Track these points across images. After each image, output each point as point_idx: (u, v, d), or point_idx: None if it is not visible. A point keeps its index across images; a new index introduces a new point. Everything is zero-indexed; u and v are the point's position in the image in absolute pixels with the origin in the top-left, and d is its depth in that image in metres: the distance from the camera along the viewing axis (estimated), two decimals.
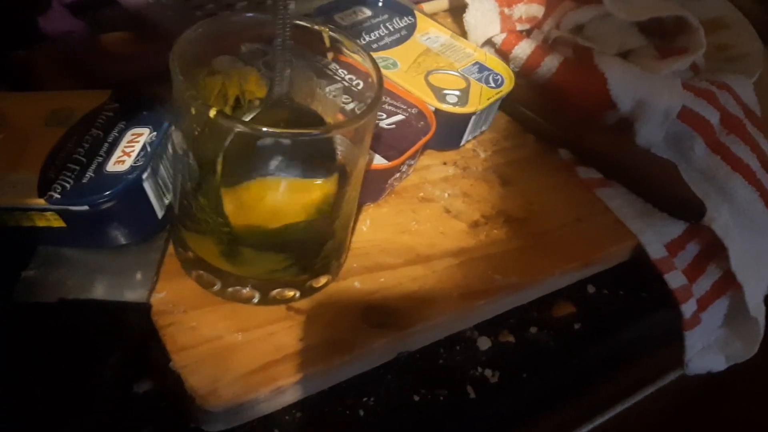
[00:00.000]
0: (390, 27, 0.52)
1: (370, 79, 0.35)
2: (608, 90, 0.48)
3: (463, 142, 0.49)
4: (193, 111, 0.30)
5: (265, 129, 0.30)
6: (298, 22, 0.35)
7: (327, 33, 0.36)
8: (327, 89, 0.39)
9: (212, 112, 0.29)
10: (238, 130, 0.30)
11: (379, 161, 0.41)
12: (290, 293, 0.37)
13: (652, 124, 0.49)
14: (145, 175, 0.34)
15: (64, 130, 0.36)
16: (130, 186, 0.34)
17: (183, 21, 0.50)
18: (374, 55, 0.48)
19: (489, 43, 0.53)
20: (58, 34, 0.49)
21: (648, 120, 0.49)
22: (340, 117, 0.39)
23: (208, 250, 0.35)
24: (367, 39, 0.50)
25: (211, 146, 0.32)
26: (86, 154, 0.35)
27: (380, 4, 0.53)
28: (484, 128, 0.50)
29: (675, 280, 0.45)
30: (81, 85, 0.45)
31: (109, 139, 0.36)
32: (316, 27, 0.36)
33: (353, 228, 0.41)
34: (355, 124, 0.32)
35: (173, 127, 0.35)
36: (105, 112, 0.37)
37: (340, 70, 0.40)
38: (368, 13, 0.52)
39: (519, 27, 0.54)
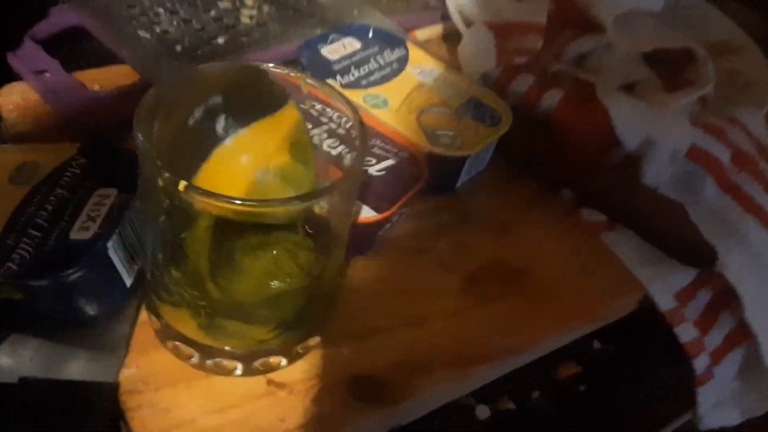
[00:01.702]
0: (381, 60, 0.49)
1: (354, 132, 0.32)
2: (613, 127, 0.46)
3: (458, 185, 0.46)
4: (160, 183, 0.27)
5: (239, 201, 0.27)
6: (274, 69, 0.33)
7: (305, 82, 0.34)
8: (311, 133, 0.37)
9: (182, 186, 0.26)
10: (212, 203, 0.27)
11: (367, 213, 0.39)
12: (276, 361, 0.34)
13: (659, 163, 0.46)
14: (111, 243, 0.32)
15: (28, 188, 0.34)
16: (94, 256, 0.31)
17: (161, 57, 0.48)
18: (364, 92, 0.46)
19: (485, 77, 0.50)
20: (29, 73, 0.46)
21: (655, 159, 0.46)
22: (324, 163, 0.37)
23: (185, 323, 0.32)
24: (357, 74, 0.47)
25: (183, 217, 0.29)
26: (49, 218, 0.32)
27: (370, 35, 0.51)
28: (480, 169, 0.47)
29: (686, 333, 0.42)
30: (52, 133, 0.43)
31: (75, 201, 0.33)
32: (292, 74, 0.33)
33: (340, 285, 0.38)
34: (335, 190, 0.29)
35: (142, 192, 0.32)
36: (71, 169, 0.35)
37: (326, 110, 0.38)
38: (358, 45, 0.50)
39: (516, 60, 0.51)
